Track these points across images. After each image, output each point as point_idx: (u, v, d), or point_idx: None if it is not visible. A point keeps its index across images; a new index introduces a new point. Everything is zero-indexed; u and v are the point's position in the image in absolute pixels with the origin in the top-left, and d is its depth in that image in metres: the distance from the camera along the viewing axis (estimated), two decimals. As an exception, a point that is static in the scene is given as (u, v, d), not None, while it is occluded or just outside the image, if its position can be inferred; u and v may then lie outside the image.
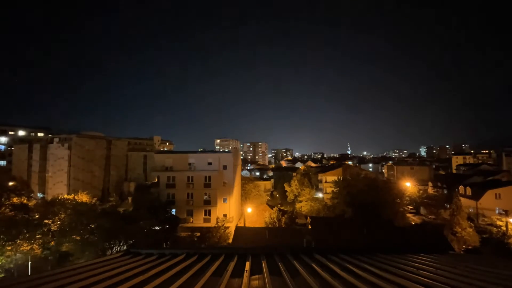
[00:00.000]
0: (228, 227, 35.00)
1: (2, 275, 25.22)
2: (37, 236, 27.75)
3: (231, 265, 7.70)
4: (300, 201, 53.17)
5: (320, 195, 62.91)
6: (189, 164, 42.42)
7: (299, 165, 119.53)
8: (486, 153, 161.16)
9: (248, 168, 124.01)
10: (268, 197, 67.03)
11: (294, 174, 67.62)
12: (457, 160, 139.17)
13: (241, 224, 42.08)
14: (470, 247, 33.94)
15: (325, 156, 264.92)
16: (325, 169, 78.04)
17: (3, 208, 31.01)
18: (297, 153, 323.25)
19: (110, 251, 27.05)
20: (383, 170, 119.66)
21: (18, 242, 25.96)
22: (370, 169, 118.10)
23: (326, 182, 63.46)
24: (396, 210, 40.68)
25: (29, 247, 26.70)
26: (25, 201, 37.21)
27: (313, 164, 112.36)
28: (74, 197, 36.91)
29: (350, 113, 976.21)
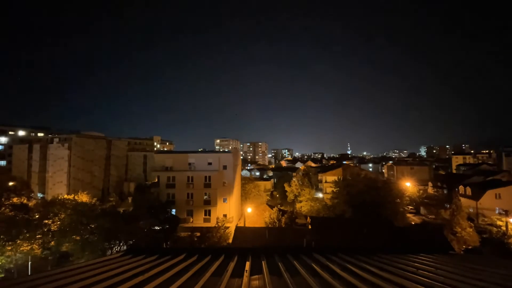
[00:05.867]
0: (228, 227, 34.97)
1: (2, 275, 25.24)
2: (37, 236, 27.78)
3: (231, 265, 7.70)
4: (300, 201, 53.12)
5: (320, 195, 62.88)
6: (189, 164, 42.41)
7: (299, 165, 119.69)
8: (486, 153, 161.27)
9: (248, 168, 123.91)
10: (268, 197, 67.00)
11: (294, 174, 67.75)
12: (457, 160, 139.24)
13: (241, 224, 42.05)
14: (470, 247, 33.89)
15: (325, 156, 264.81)
16: (325, 169, 77.98)
17: (3, 208, 30.92)
18: (297, 153, 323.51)
19: (110, 251, 27.07)
20: (383, 170, 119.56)
21: (18, 242, 25.97)
22: (370, 169, 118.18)
23: (326, 182, 63.45)
24: (396, 210, 40.62)
25: (29, 247, 26.71)
26: (25, 201, 37.05)
27: (313, 164, 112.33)
28: (74, 197, 36.83)
29: (350, 113, 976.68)
